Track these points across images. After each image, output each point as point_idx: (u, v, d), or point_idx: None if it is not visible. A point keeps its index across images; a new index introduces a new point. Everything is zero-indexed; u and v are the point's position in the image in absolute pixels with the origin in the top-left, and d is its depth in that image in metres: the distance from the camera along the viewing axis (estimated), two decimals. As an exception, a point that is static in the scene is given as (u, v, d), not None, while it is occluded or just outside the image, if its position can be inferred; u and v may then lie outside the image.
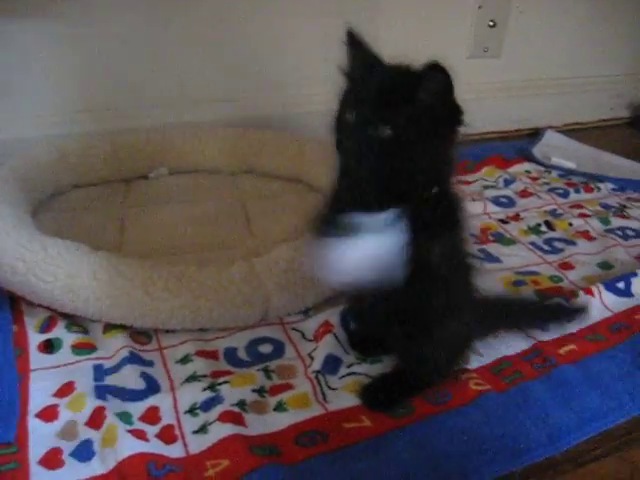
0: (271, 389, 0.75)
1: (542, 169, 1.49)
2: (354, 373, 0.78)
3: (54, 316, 0.83)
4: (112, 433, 0.65)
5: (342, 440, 0.68)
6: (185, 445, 0.66)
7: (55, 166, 1.16)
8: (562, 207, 1.29)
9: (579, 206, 1.30)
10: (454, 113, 0.62)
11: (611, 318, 0.91)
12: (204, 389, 0.74)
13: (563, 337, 0.86)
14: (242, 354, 0.82)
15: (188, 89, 1.38)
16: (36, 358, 0.77)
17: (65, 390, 0.72)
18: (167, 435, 0.68)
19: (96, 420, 0.67)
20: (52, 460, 0.63)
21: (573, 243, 1.14)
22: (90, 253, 0.84)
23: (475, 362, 0.80)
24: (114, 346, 0.79)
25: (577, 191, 1.38)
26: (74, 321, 0.83)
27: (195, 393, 0.73)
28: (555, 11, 1.68)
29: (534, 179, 1.43)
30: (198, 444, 0.66)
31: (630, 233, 1.19)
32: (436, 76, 0.59)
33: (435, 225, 0.64)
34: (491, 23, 1.61)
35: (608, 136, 1.79)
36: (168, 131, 1.29)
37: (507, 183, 1.39)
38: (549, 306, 0.92)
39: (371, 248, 0.60)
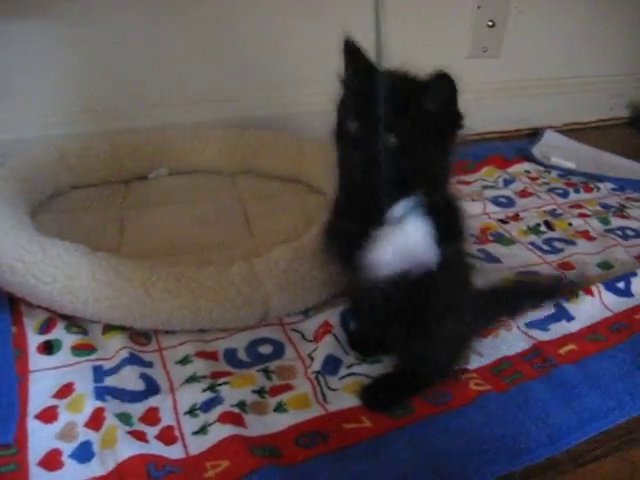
0: (271, 390, 0.75)
1: (542, 169, 1.48)
2: (354, 374, 0.78)
3: (53, 317, 0.83)
4: (112, 434, 0.65)
5: (342, 441, 0.68)
6: (185, 446, 0.66)
7: (54, 167, 1.15)
8: (562, 207, 1.29)
9: (579, 206, 1.30)
10: (455, 118, 0.62)
11: (611, 318, 0.91)
12: (204, 390, 0.74)
13: (563, 337, 0.86)
14: (242, 355, 0.81)
15: (188, 89, 1.38)
16: (35, 359, 0.76)
17: (64, 391, 0.72)
18: (167, 436, 0.68)
19: (96, 421, 0.67)
20: (52, 461, 0.63)
21: (573, 243, 1.14)
22: (89, 254, 0.84)
23: (475, 362, 0.80)
24: (113, 347, 0.79)
25: (577, 191, 1.37)
26: (73, 322, 0.83)
27: (195, 394, 0.73)
28: (554, 11, 1.68)
29: (534, 179, 1.43)
30: (198, 445, 0.66)
31: (630, 233, 1.19)
32: (444, 86, 0.59)
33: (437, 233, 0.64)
34: (490, 23, 1.61)
35: (608, 136, 1.79)
36: (167, 131, 1.29)
37: (507, 183, 1.39)
38: (542, 284, 0.92)
39: (412, 234, 0.61)
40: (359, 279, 0.66)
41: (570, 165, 1.50)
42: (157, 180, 1.27)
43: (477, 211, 1.23)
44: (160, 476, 0.61)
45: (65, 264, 0.81)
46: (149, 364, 0.78)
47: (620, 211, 1.28)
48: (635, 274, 0.99)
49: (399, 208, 0.62)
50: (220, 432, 0.67)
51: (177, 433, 0.68)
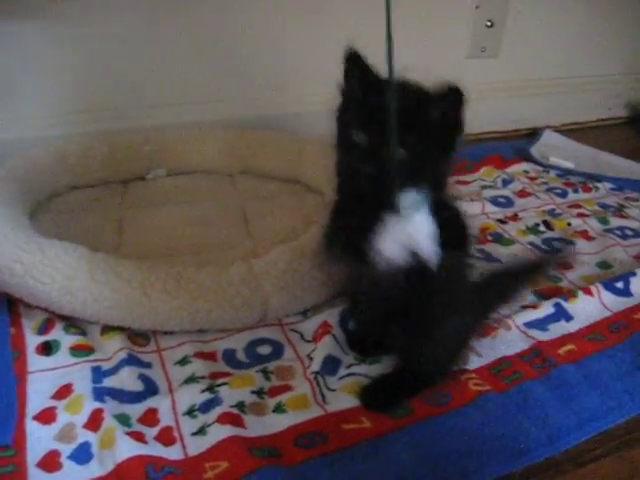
0: (270, 390, 0.75)
1: (540, 169, 1.48)
2: (353, 374, 0.78)
3: (52, 318, 0.82)
4: (110, 435, 0.65)
5: (341, 441, 0.68)
6: (184, 447, 0.66)
7: (53, 167, 1.15)
8: (560, 207, 1.29)
9: (577, 206, 1.30)
10: (459, 126, 0.63)
11: (610, 318, 0.91)
12: (203, 391, 0.73)
13: (562, 337, 0.86)
14: (241, 355, 0.81)
15: (188, 89, 1.38)
16: (34, 360, 0.76)
17: (63, 392, 0.72)
18: (166, 437, 0.67)
19: (94, 422, 0.67)
20: (50, 463, 0.63)
21: (572, 243, 1.14)
22: (88, 255, 0.84)
23: (474, 362, 0.80)
24: (112, 348, 0.79)
25: (575, 191, 1.37)
26: (72, 323, 0.83)
27: (194, 395, 0.73)
28: (553, 11, 1.68)
29: (532, 179, 1.43)
30: (197, 446, 0.66)
31: (629, 233, 1.19)
32: (455, 99, 0.60)
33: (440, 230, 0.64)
34: (489, 23, 1.61)
35: (606, 136, 1.79)
36: (165, 132, 1.29)
37: (505, 183, 1.39)
38: (529, 261, 0.91)
39: (417, 225, 0.62)
40: (364, 271, 0.66)
41: (569, 165, 1.50)
42: (155, 181, 1.27)
43: (476, 211, 1.22)
44: (159, 477, 0.61)
45: (64, 265, 0.81)
46: (148, 365, 0.78)
47: (619, 211, 1.28)
48: (634, 274, 0.99)
49: (406, 200, 0.62)
50: (219, 433, 0.67)
51: (176, 434, 0.68)
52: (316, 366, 0.77)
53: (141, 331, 0.82)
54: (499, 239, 1.14)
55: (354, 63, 0.64)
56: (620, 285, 0.97)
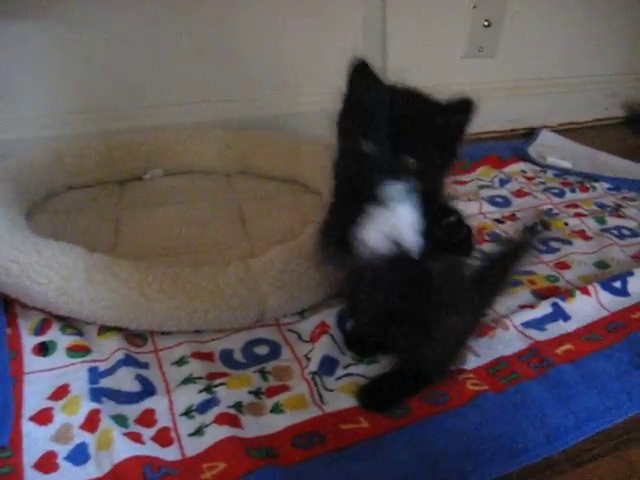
0: (267, 391, 0.75)
1: (537, 169, 1.49)
2: (351, 374, 0.78)
3: (48, 318, 0.82)
4: (107, 436, 0.65)
5: (339, 441, 0.67)
6: (181, 448, 0.66)
7: (50, 167, 1.15)
8: (558, 207, 1.29)
9: (575, 206, 1.30)
10: (463, 136, 0.64)
11: (608, 317, 0.91)
12: (200, 391, 0.73)
13: (560, 337, 0.86)
14: (238, 356, 0.81)
15: (188, 89, 1.38)
16: (30, 361, 0.76)
17: (60, 393, 0.71)
18: (163, 438, 0.67)
19: (91, 423, 0.67)
20: (47, 464, 0.63)
21: (569, 242, 1.14)
22: (85, 255, 0.84)
23: (472, 362, 0.80)
24: (109, 348, 0.79)
25: (573, 191, 1.38)
26: (69, 323, 0.82)
27: (191, 395, 0.73)
28: (550, 11, 1.69)
29: (530, 179, 1.43)
30: (194, 446, 0.66)
31: (626, 232, 1.19)
32: (466, 110, 0.61)
33: (437, 247, 0.65)
34: (486, 23, 1.61)
35: (603, 136, 1.79)
36: (162, 132, 1.29)
37: (503, 183, 1.39)
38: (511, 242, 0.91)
39: (405, 216, 0.62)
40: (351, 261, 0.67)
41: (566, 165, 1.50)
42: (152, 181, 1.27)
43: (473, 211, 1.22)
44: (156, 478, 0.61)
45: (60, 265, 0.80)
46: (145, 365, 0.78)
47: (616, 210, 1.28)
48: (631, 273, 0.99)
49: (390, 191, 0.62)
50: (216, 433, 0.66)
51: (173, 435, 0.68)
52: (314, 366, 0.77)
53: (138, 331, 0.82)
54: (497, 239, 1.14)
55: (362, 72, 0.63)
56: (618, 285, 0.97)
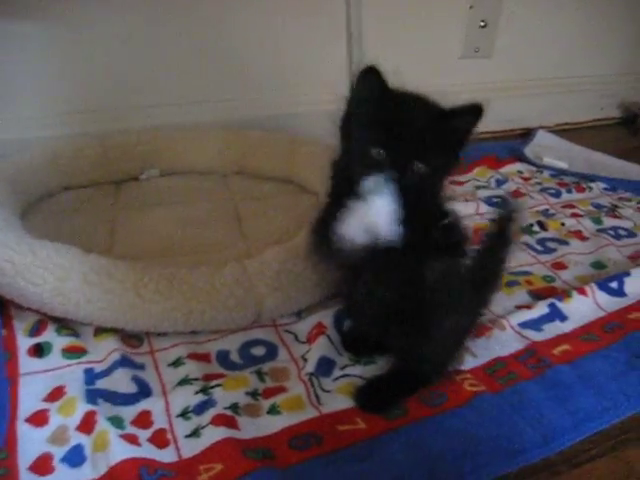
0: (264, 392, 0.75)
1: (534, 169, 1.49)
2: (348, 375, 0.77)
3: (44, 320, 0.82)
4: (103, 438, 0.64)
5: (336, 443, 0.67)
6: (178, 449, 0.66)
7: (45, 168, 1.15)
8: (554, 207, 1.29)
9: (571, 206, 1.30)
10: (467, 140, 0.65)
11: (604, 318, 0.91)
12: (196, 392, 0.73)
13: (557, 337, 0.86)
14: (235, 357, 0.81)
15: (188, 89, 1.38)
16: (26, 362, 0.76)
17: (55, 394, 0.71)
18: (159, 439, 0.67)
19: (87, 425, 0.66)
20: (42, 466, 0.62)
21: (566, 243, 1.14)
22: (80, 255, 0.83)
23: (469, 363, 0.80)
24: (105, 349, 0.78)
25: (569, 191, 1.38)
26: (64, 324, 0.82)
27: (187, 396, 0.72)
28: (546, 11, 1.69)
29: (526, 179, 1.43)
30: (191, 448, 0.66)
31: (622, 233, 1.19)
32: (474, 117, 0.62)
33: (433, 247, 0.65)
34: (482, 23, 1.61)
35: (599, 136, 1.80)
36: (159, 132, 1.28)
37: (499, 183, 1.39)
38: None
39: (382, 207, 0.62)
40: (339, 257, 0.67)
41: (562, 165, 1.50)
42: (148, 181, 1.26)
43: (470, 211, 1.22)
44: (152, 480, 0.61)
45: (55, 266, 0.80)
46: (141, 366, 0.77)
47: (612, 211, 1.29)
48: (628, 274, 0.99)
49: (368, 185, 0.63)
50: (213, 435, 0.66)
51: (170, 436, 0.67)
52: (310, 367, 0.77)
53: (134, 332, 0.82)
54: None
55: (372, 79, 0.63)
56: (614, 285, 0.97)
